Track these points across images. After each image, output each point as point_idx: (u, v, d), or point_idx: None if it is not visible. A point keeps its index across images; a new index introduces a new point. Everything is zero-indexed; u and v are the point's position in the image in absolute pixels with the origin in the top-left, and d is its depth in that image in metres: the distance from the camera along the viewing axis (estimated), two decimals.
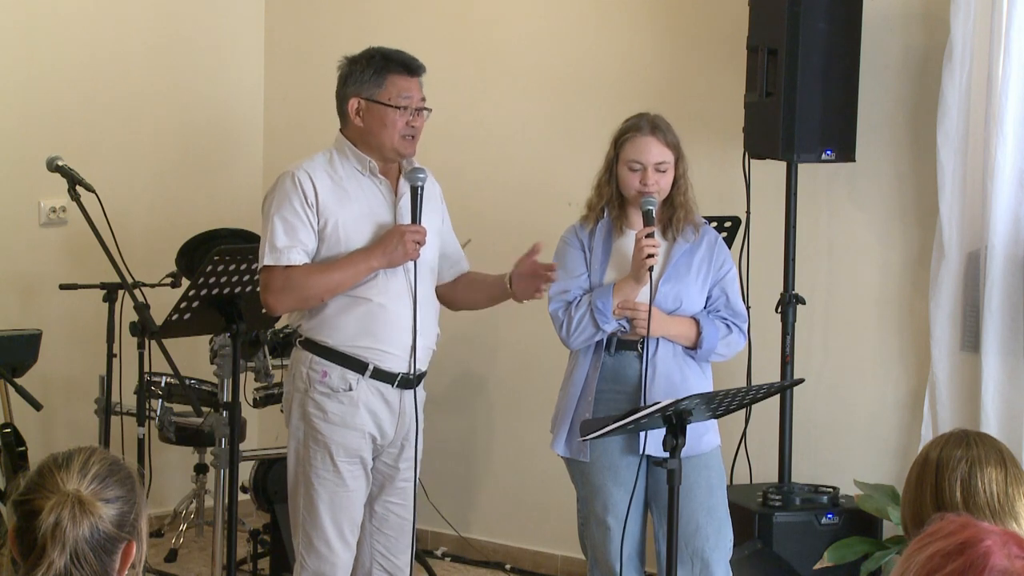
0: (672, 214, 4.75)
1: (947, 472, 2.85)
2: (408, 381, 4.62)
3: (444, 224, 4.83)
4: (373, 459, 4.67)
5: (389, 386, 4.60)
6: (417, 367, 4.63)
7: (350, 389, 4.58)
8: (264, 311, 4.80)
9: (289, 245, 4.53)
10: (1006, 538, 2.00)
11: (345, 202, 4.58)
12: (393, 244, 4.52)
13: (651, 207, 4.66)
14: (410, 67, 4.61)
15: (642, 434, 4.61)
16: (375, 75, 4.58)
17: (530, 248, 4.72)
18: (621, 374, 4.71)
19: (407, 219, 4.59)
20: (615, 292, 4.67)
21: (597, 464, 4.71)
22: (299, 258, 4.54)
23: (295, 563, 4.72)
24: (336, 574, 4.66)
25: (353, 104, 4.60)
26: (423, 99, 4.62)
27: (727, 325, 4.78)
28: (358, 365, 4.57)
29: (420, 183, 4.57)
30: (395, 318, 4.58)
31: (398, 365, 4.60)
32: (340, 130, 4.68)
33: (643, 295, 4.66)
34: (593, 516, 4.75)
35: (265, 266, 4.57)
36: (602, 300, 4.66)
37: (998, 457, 2.86)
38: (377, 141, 4.59)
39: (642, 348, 4.68)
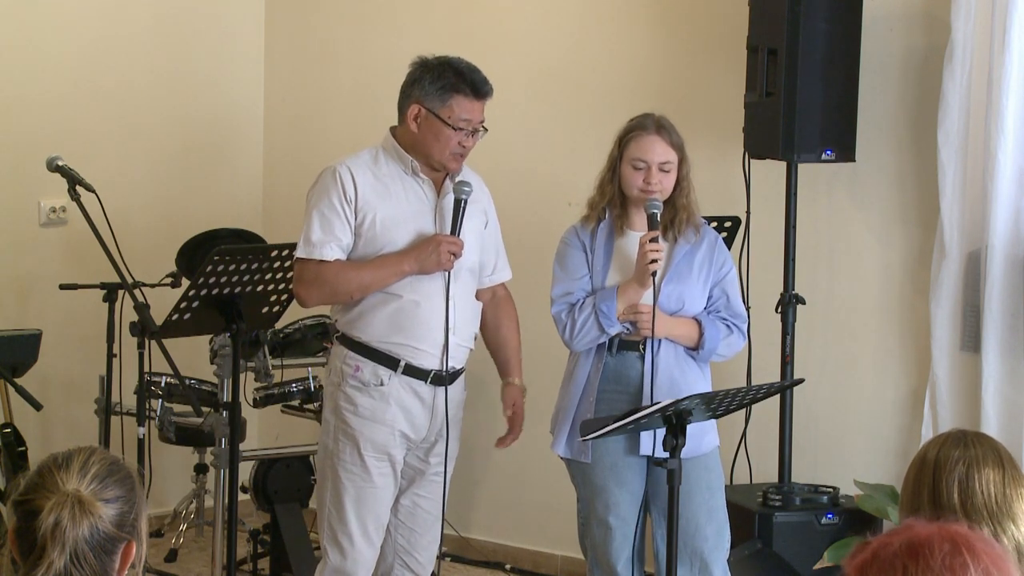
0: (674, 215, 4.75)
1: (944, 473, 2.84)
2: (441, 378, 4.65)
3: (487, 229, 4.84)
4: (405, 455, 4.70)
5: (422, 383, 4.64)
6: (451, 365, 4.66)
7: (381, 384, 4.62)
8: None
9: (323, 240, 4.60)
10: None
11: (386, 200, 4.62)
12: (428, 252, 4.57)
13: (656, 210, 4.66)
14: (478, 91, 4.63)
15: (644, 434, 4.61)
16: (441, 90, 4.60)
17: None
18: (623, 374, 4.71)
19: (447, 225, 4.62)
20: (619, 295, 4.67)
21: (599, 464, 4.71)
22: (332, 253, 4.60)
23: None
24: (357, 570, 4.68)
25: (413, 110, 4.63)
26: (482, 120, 4.65)
27: (727, 325, 4.78)
28: (390, 361, 4.62)
29: (465, 196, 4.62)
30: (428, 316, 4.62)
31: (430, 362, 4.64)
32: (391, 128, 4.71)
33: (646, 298, 4.66)
34: (594, 516, 4.75)
35: (299, 258, 4.66)
36: (606, 303, 4.66)
37: (996, 458, 2.85)
38: (426, 151, 4.63)
39: (644, 348, 4.68)
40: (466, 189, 4.62)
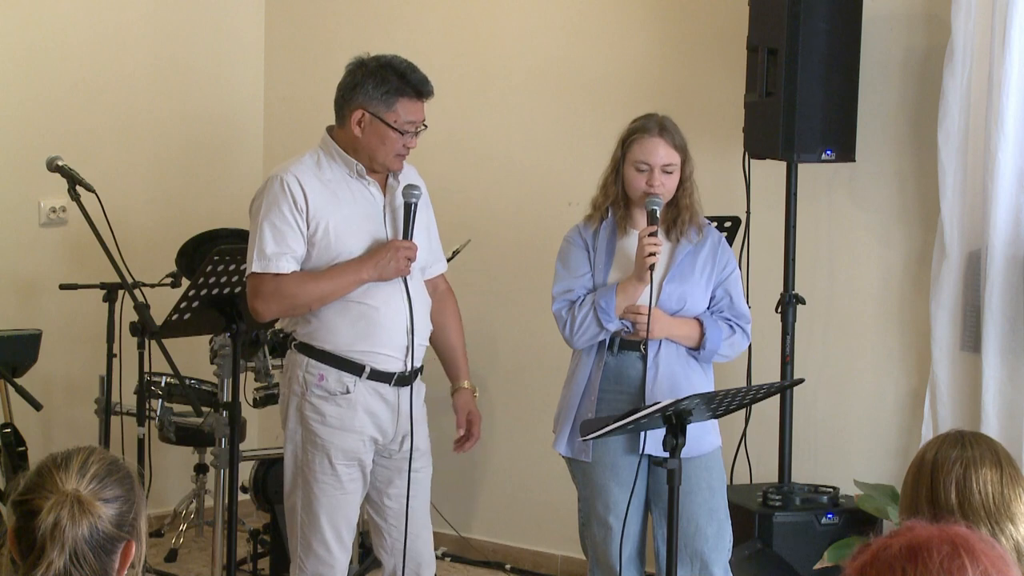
0: (677, 216, 4.75)
1: (942, 474, 2.83)
2: (405, 379, 4.64)
3: (428, 222, 4.83)
4: (375, 457, 4.68)
5: (387, 385, 4.62)
6: (415, 365, 4.66)
7: (348, 392, 4.59)
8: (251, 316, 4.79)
9: (278, 252, 4.53)
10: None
11: (335, 205, 4.57)
12: (386, 259, 4.54)
13: (656, 207, 4.66)
14: (421, 92, 4.58)
15: (642, 433, 4.61)
16: (386, 95, 4.55)
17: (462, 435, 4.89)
18: (624, 374, 4.71)
19: (399, 225, 4.60)
20: (618, 292, 4.67)
21: (599, 464, 4.72)
22: (288, 265, 4.54)
23: (292, 565, 4.73)
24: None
25: (357, 114, 4.57)
26: (423, 119, 4.62)
27: (730, 326, 4.78)
28: (355, 368, 4.59)
29: (415, 199, 4.60)
30: (389, 320, 4.60)
31: (394, 365, 4.62)
32: (328, 129, 4.66)
33: (646, 294, 4.65)
34: (595, 516, 4.75)
35: (253, 273, 4.57)
36: (605, 299, 4.66)
37: (993, 458, 2.84)
38: (370, 153, 4.59)
39: (645, 348, 4.68)
40: (415, 193, 4.60)
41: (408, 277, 4.61)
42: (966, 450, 2.85)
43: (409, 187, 4.61)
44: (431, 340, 4.85)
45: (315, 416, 4.61)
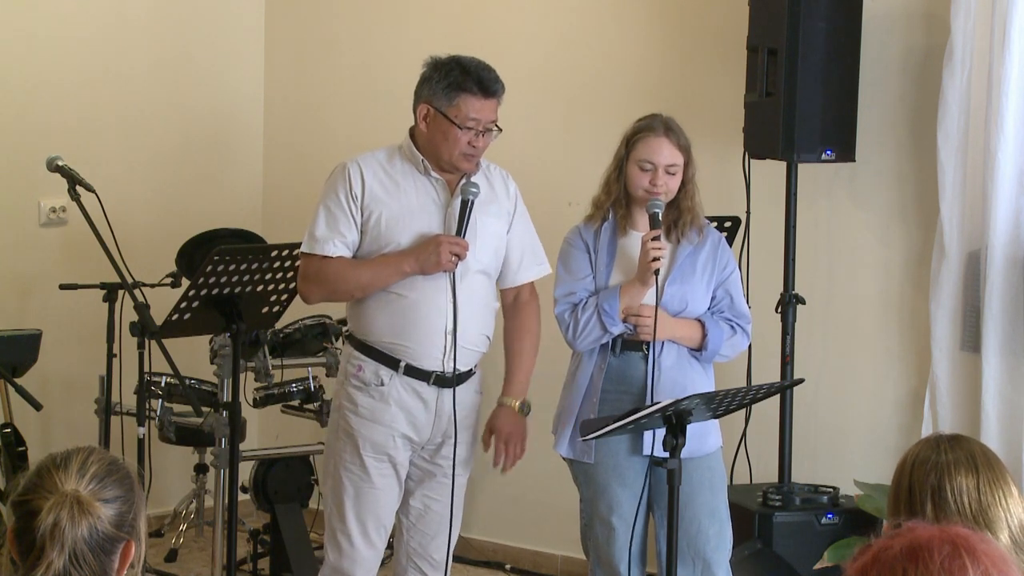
0: (678, 217, 4.75)
1: (917, 484, 2.77)
2: (444, 380, 4.61)
3: (512, 228, 4.76)
4: (412, 456, 4.66)
5: (424, 384, 4.60)
6: (456, 367, 4.59)
7: (381, 384, 4.58)
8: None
9: (327, 236, 4.57)
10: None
11: (394, 197, 4.58)
12: (428, 252, 4.50)
13: (658, 210, 4.66)
14: (486, 89, 4.53)
15: (647, 434, 4.61)
16: (448, 89, 4.52)
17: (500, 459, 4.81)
18: (626, 375, 4.71)
19: (455, 226, 4.56)
20: (622, 294, 4.66)
21: (602, 465, 4.71)
22: (335, 250, 4.57)
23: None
24: (355, 570, 4.65)
25: (422, 110, 4.57)
26: (494, 120, 4.56)
27: (731, 326, 4.78)
28: (390, 361, 4.59)
29: (472, 196, 4.55)
30: (429, 317, 4.57)
31: (430, 363, 4.58)
32: (410, 128, 4.65)
33: (649, 297, 4.66)
34: (597, 517, 4.74)
35: (302, 252, 4.64)
36: (609, 302, 4.66)
37: (969, 464, 2.76)
38: (436, 151, 4.57)
39: (647, 349, 4.67)
40: (472, 190, 4.55)
41: (459, 276, 4.56)
42: (940, 456, 2.78)
43: (467, 184, 4.57)
44: (504, 347, 4.80)
45: (349, 405, 4.62)
